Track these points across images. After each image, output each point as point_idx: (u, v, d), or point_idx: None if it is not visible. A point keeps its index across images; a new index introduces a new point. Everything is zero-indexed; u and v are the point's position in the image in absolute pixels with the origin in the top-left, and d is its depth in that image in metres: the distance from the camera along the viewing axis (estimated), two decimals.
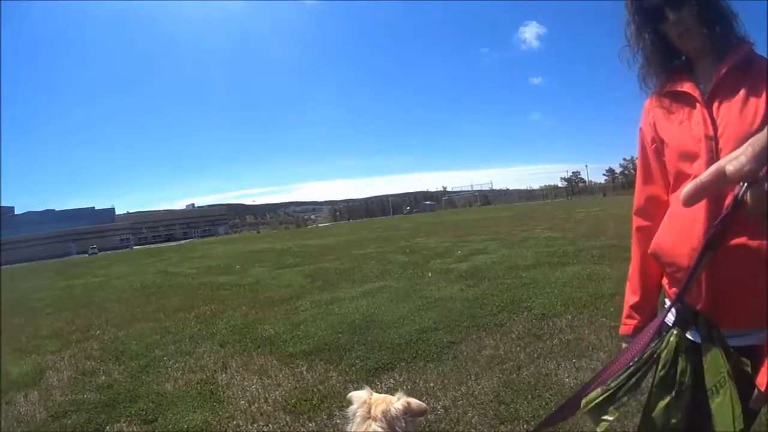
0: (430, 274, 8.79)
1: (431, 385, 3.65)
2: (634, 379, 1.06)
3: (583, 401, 1.07)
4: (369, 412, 1.43)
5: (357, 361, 4.36)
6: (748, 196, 0.45)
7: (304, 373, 4.26)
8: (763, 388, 1.11)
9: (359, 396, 1.50)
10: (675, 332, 1.07)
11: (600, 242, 10.74)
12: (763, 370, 1.11)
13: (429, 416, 3.16)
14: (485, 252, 11.43)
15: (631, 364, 1.05)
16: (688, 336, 1.27)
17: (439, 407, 3.26)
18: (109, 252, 69.97)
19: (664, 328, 1.13)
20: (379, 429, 1.38)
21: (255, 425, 3.36)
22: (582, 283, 6.48)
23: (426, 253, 12.50)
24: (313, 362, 4.50)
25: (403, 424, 1.42)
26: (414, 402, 1.49)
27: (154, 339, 6.17)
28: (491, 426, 2.98)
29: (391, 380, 3.83)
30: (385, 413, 1.42)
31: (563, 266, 8.07)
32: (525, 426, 2.90)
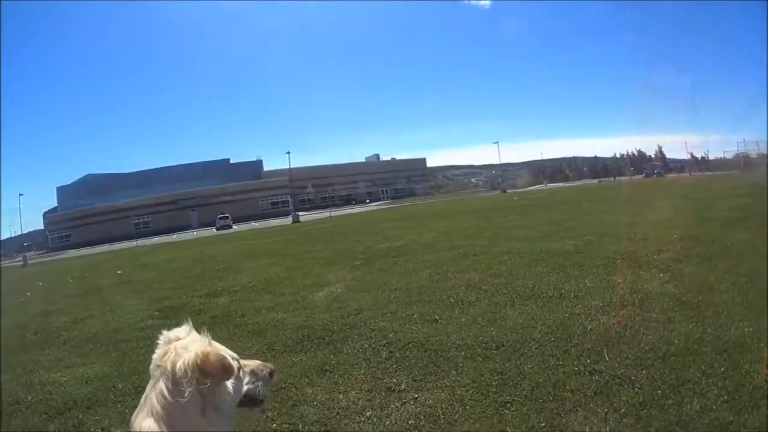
0: None
1: None
2: None
3: None
4: (161, 360, 1.09)
5: None
6: None
7: None
8: None
9: (167, 336, 1.15)
10: None
11: None
12: None
13: None
14: None
15: None
16: None
17: None
18: None
19: None
20: (164, 389, 1.03)
21: None
22: None
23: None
24: None
25: (192, 385, 1.02)
26: (214, 354, 1.07)
27: None
28: None
29: None
30: (174, 366, 1.05)
31: None
32: None
